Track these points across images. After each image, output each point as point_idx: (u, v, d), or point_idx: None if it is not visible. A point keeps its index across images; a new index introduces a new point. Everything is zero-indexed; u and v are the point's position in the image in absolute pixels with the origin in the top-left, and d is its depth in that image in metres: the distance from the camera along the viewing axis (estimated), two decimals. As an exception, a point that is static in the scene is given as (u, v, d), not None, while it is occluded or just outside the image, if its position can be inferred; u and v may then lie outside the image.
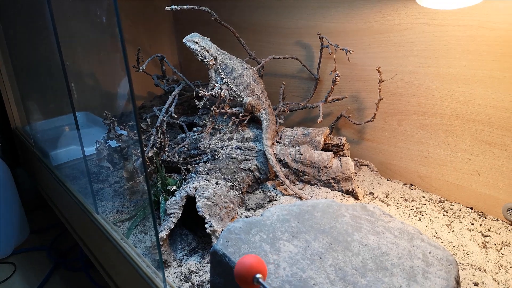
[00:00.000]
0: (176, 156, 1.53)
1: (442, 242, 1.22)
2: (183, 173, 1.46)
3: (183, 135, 1.63)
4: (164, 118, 1.55)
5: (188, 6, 1.50)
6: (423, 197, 1.47)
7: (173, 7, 1.45)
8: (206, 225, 1.16)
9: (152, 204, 1.05)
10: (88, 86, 2.39)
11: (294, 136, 1.52)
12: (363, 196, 1.44)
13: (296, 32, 1.80)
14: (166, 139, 1.42)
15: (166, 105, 1.57)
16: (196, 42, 1.48)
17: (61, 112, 2.24)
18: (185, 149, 1.58)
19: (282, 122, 1.61)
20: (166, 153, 1.43)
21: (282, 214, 1.02)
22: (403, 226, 0.97)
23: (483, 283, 1.07)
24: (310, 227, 0.97)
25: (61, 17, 1.55)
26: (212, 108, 1.41)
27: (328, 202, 1.05)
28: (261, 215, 1.03)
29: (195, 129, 1.63)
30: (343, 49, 1.51)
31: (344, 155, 1.58)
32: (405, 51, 1.44)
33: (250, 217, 1.31)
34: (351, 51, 1.49)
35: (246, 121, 1.55)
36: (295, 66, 1.83)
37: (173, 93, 1.62)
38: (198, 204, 1.19)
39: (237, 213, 1.33)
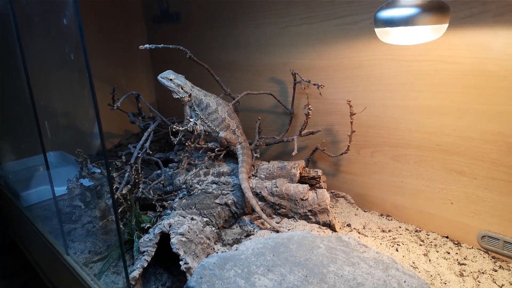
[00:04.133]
0: (151, 193, 1.51)
1: (419, 271, 1.22)
2: (158, 210, 1.44)
3: (159, 171, 1.61)
4: (139, 155, 1.54)
5: (162, 44, 1.53)
6: (400, 227, 1.48)
7: (147, 46, 1.47)
8: (180, 262, 1.13)
9: (122, 242, 1.02)
10: (63, 125, 2.36)
11: (270, 170, 1.52)
12: (340, 228, 1.44)
13: (270, 69, 1.85)
14: (140, 175, 1.40)
15: (141, 142, 1.56)
16: (170, 79, 1.50)
17: (34, 152, 2.19)
18: (161, 185, 1.56)
19: (258, 156, 1.62)
20: (140, 189, 1.41)
21: (257, 248, 1.00)
22: (378, 256, 0.97)
23: (461, 312, 1.06)
24: (285, 260, 0.96)
25: (32, 54, 1.56)
26: (186, 144, 1.41)
27: (303, 234, 1.05)
28: (236, 249, 1.01)
29: (170, 165, 1.62)
30: (314, 84, 1.56)
31: (321, 187, 1.59)
32: (374, 85, 1.49)
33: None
34: (322, 86, 1.54)
35: (222, 155, 1.56)
36: (270, 101, 1.87)
37: (148, 129, 1.62)
38: (172, 240, 1.16)
39: (214, 249, 1.30)
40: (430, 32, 0.99)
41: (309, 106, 1.43)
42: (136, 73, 2.60)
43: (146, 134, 1.59)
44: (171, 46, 1.57)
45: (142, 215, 1.49)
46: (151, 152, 1.54)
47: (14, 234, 1.99)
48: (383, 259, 0.95)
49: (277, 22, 1.75)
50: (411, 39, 1.01)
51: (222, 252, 1.29)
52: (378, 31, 1.08)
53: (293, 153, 1.46)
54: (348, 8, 1.49)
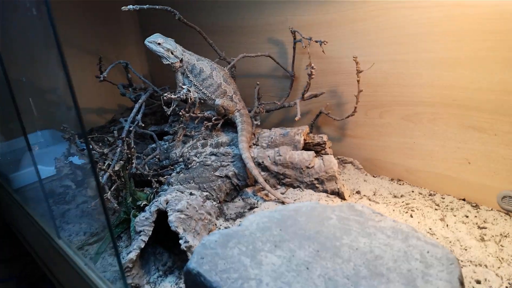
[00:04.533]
0: (147, 168, 1.41)
1: (437, 238, 1.13)
2: (154, 186, 1.34)
3: (154, 145, 1.51)
4: (131, 128, 1.43)
5: (148, 5, 1.40)
6: (412, 191, 1.38)
7: (130, 7, 1.34)
8: (180, 241, 1.05)
9: (111, 225, 0.93)
10: (52, 101, 2.24)
11: (272, 137, 1.42)
12: (349, 196, 1.35)
13: (267, 29, 1.71)
14: (132, 150, 1.30)
15: (132, 114, 1.45)
16: (159, 44, 1.37)
17: (22, 133, 2.09)
18: (156, 160, 1.47)
19: (259, 123, 1.51)
20: (133, 165, 1.31)
21: (263, 222, 0.91)
22: (395, 225, 0.87)
23: (485, 279, 0.98)
24: (294, 234, 0.87)
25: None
26: (181, 113, 1.30)
27: (312, 205, 0.95)
28: (239, 225, 0.92)
29: (165, 137, 1.52)
30: (317, 42, 1.43)
31: (326, 154, 1.49)
32: (382, 39, 1.36)
33: (229, 228, 1.20)
34: (325, 42, 1.41)
35: (219, 125, 1.45)
36: (269, 65, 1.74)
37: (140, 100, 1.51)
38: (170, 218, 1.07)
39: (215, 224, 1.22)
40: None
41: (312, 65, 1.30)
42: (125, 42, 2.44)
43: (137, 105, 1.48)
44: (157, 7, 1.43)
45: (138, 192, 1.40)
46: (143, 125, 1.43)
47: (8, 218, 1.91)
48: (401, 228, 0.86)
49: (272, -24, 1.60)
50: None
51: (224, 228, 1.20)
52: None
53: (296, 118, 1.35)
54: (350, -46, 1.34)
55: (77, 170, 1.39)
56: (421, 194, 1.37)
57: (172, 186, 1.28)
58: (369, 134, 1.51)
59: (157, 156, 1.45)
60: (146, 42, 1.38)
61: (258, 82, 1.62)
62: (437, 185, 1.37)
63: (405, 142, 1.42)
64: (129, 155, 1.30)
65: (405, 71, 1.33)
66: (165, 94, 1.27)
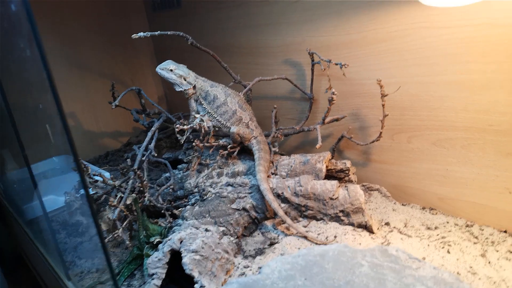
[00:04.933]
0: (160, 200, 1.34)
1: (479, 278, 1.02)
2: (167, 220, 1.27)
3: (168, 174, 1.44)
4: (143, 158, 1.37)
5: (159, 32, 1.35)
6: (447, 222, 1.27)
7: (141, 34, 1.29)
8: (195, 286, 0.96)
9: (113, 272, 0.86)
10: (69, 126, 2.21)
11: (291, 165, 1.33)
12: (378, 228, 1.24)
13: (284, 50, 1.64)
14: (144, 182, 1.23)
15: (144, 143, 1.39)
16: (171, 70, 1.32)
17: (38, 159, 2.06)
18: (171, 190, 1.39)
19: (277, 150, 1.43)
20: (146, 198, 1.24)
21: (285, 270, 0.82)
22: (437, 273, 0.77)
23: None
24: (321, 285, 0.77)
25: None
26: (194, 143, 1.23)
27: (339, 248, 0.86)
28: (259, 272, 0.83)
29: (179, 166, 1.45)
30: (336, 64, 1.35)
31: (350, 181, 1.39)
32: (408, 60, 1.27)
33: (248, 267, 1.11)
34: (346, 65, 1.32)
35: (235, 153, 1.37)
36: (286, 86, 1.67)
37: (152, 128, 1.45)
38: (184, 260, 0.99)
39: (233, 263, 1.13)
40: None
41: (333, 90, 1.22)
42: (140, 66, 2.42)
43: (150, 134, 1.42)
44: (168, 33, 1.38)
45: (151, 225, 1.33)
46: (155, 155, 1.36)
47: (22, 251, 1.86)
48: (444, 277, 0.76)
49: (287, -4, 1.54)
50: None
51: (243, 267, 1.11)
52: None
53: (317, 146, 1.27)
54: (371, -29, 1.27)
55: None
56: (457, 225, 1.26)
57: (187, 220, 1.20)
58: (397, 160, 1.41)
59: (171, 186, 1.38)
60: (157, 69, 1.33)
61: (275, 106, 1.55)
62: (475, 215, 1.26)
63: (437, 168, 1.31)
64: (141, 188, 1.23)
65: (435, 94, 1.23)
66: (177, 125, 1.20)
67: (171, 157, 1.59)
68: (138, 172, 1.18)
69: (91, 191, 1.36)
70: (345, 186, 1.25)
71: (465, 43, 1.13)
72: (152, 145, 1.40)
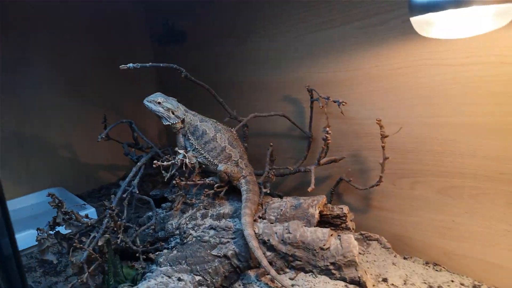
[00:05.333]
0: (138, 241, 1.24)
1: None
2: (140, 266, 1.16)
3: (151, 213, 1.35)
4: (124, 195, 1.28)
5: (150, 64, 1.30)
6: (452, 281, 1.13)
7: (130, 65, 1.24)
8: None
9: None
10: (62, 158, 2.16)
11: (282, 209, 1.22)
12: (374, 285, 1.11)
13: (283, 86, 1.57)
14: (118, 222, 1.13)
15: (127, 178, 1.31)
16: (159, 103, 1.25)
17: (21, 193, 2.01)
18: (151, 230, 1.29)
19: (268, 191, 1.32)
20: (119, 239, 1.14)
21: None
22: None
23: None
24: None
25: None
26: (175, 181, 1.14)
27: (318, 313, 0.73)
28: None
29: (163, 205, 1.35)
30: (335, 102, 1.26)
31: (348, 228, 1.27)
32: (411, 99, 1.18)
33: (224, 324, 0.98)
34: (344, 103, 1.24)
35: (223, 192, 1.27)
36: (285, 124, 1.58)
37: (138, 163, 1.37)
38: (146, 315, 0.87)
39: (207, 319, 1.00)
40: (493, 17, 0.68)
41: (327, 128, 1.12)
42: (142, 99, 2.37)
43: (134, 169, 1.34)
44: (161, 65, 1.33)
45: (126, 269, 1.22)
46: (137, 192, 1.27)
47: None
48: None
49: (288, 31, 1.48)
50: (465, 28, 0.71)
51: (216, 324, 0.98)
52: (417, 21, 0.78)
53: (309, 189, 1.16)
54: (372, 6, 1.20)
55: (62, 242, 1.23)
56: (463, 285, 1.11)
57: (160, 267, 1.09)
58: (399, 207, 1.29)
59: (152, 227, 1.28)
60: (145, 101, 1.27)
61: (271, 144, 1.46)
62: (483, 274, 1.12)
63: (442, 219, 1.18)
64: (115, 228, 1.13)
65: (440, 137, 1.13)
66: (155, 162, 1.11)
67: (158, 194, 1.50)
68: (110, 211, 1.08)
69: (65, 230, 1.26)
70: (338, 235, 1.12)
71: (473, 82, 1.03)
72: (135, 181, 1.31)
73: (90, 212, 1.67)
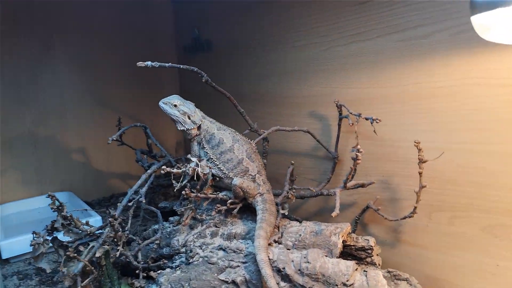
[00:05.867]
0: (139, 257, 1.12)
1: None
2: (139, 285, 1.04)
3: (157, 225, 1.24)
4: (130, 204, 1.18)
5: (169, 64, 1.21)
6: (496, 337, 0.96)
7: (148, 63, 1.16)
8: None
9: None
10: (75, 162, 2.09)
11: (300, 234, 1.09)
12: (402, 333, 0.95)
13: (310, 101, 1.46)
14: (118, 233, 1.02)
15: (134, 186, 1.21)
16: (175, 106, 1.16)
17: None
18: (155, 246, 1.18)
19: (286, 213, 1.19)
20: (118, 252, 1.03)
21: None
22: None
23: None
24: None
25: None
26: (184, 192, 1.02)
27: None
28: None
29: (171, 218, 1.24)
30: (367, 119, 1.14)
31: (373, 263, 1.12)
32: (454, 123, 1.05)
33: None
34: (378, 120, 1.11)
35: (236, 210, 1.15)
36: (309, 142, 1.47)
37: (148, 171, 1.27)
38: None
39: None
40: None
41: (358, 147, 1.00)
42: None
43: (144, 176, 1.24)
44: (181, 66, 1.25)
45: (123, 286, 1.10)
46: (144, 201, 1.17)
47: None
48: None
49: (319, 43, 1.38)
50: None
51: None
52: (479, 20, 0.66)
53: (333, 214, 1.02)
54: (415, 17, 1.09)
55: (59, 249, 1.12)
56: None
57: (160, 288, 0.97)
58: (434, 244, 1.14)
59: (156, 242, 1.16)
60: (160, 103, 1.18)
61: (292, 162, 1.34)
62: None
63: (485, 262, 1.03)
64: (115, 239, 1.02)
65: (487, 167, 0.98)
66: (163, 167, 1.01)
67: (167, 206, 1.39)
68: (111, 219, 0.98)
69: (64, 237, 1.16)
70: (364, 271, 0.98)
71: (531, 107, 0.89)
72: (143, 190, 1.21)
73: (96, 220, 1.58)
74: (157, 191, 1.79)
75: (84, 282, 0.96)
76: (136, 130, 2.03)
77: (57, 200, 1.12)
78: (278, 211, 1.15)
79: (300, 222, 1.17)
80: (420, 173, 1.03)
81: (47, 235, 1.15)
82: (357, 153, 0.98)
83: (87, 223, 1.12)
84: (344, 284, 0.96)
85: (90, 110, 2.08)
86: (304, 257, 1.01)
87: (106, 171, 2.19)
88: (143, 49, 2.17)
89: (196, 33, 2.09)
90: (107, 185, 2.18)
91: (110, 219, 0.95)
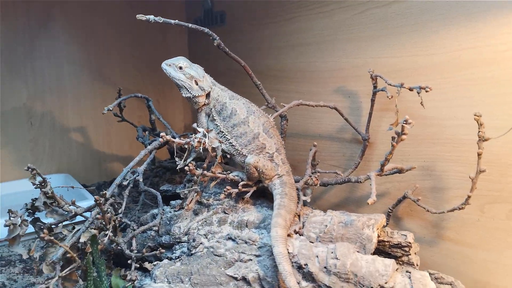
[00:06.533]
0: (134, 244, 0.95)
1: None
2: (130, 275, 0.86)
3: (156, 210, 1.06)
4: (126, 183, 1.00)
5: (176, 21, 1.03)
6: None
7: (151, 17, 0.98)
8: None
9: None
10: (74, 142, 1.93)
11: (326, 225, 0.90)
12: None
13: (338, 75, 1.27)
14: (106, 215, 0.85)
15: (132, 163, 1.04)
16: (180, 68, 0.97)
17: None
18: (153, 233, 1.00)
19: (308, 200, 1.01)
20: (107, 238, 0.85)
21: None
22: None
23: None
24: None
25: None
26: (188, 168, 0.84)
27: None
28: None
29: (173, 202, 1.06)
30: (411, 89, 0.94)
31: (410, 263, 0.94)
32: (520, 95, 0.85)
33: None
34: (429, 89, 0.92)
35: (249, 194, 0.96)
36: (334, 123, 1.28)
37: (149, 147, 1.09)
38: None
39: None
40: None
41: (406, 116, 0.79)
42: (170, 90, 2.13)
43: (142, 152, 1.07)
44: (190, 25, 1.07)
45: (115, 278, 0.93)
46: (141, 179, 0.99)
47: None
48: None
49: (351, 6, 1.19)
50: None
51: None
52: None
53: (369, 201, 0.83)
54: (475, -34, 0.90)
55: (40, 232, 0.96)
56: None
57: (155, 282, 0.80)
58: (486, 243, 0.95)
59: (154, 228, 0.99)
60: (163, 65, 1.00)
61: (315, 143, 1.15)
62: None
63: (554, 267, 0.83)
64: (102, 223, 0.85)
65: None
66: (162, 134, 0.83)
67: (169, 189, 1.21)
68: (97, 197, 0.80)
69: (46, 218, 1.00)
70: (407, 271, 0.79)
71: None
72: (141, 168, 1.03)
73: (90, 203, 1.42)
74: (160, 175, 1.62)
75: (64, 271, 0.79)
76: (140, 110, 1.88)
77: (38, 173, 0.95)
78: (299, 197, 0.97)
79: (324, 212, 0.98)
80: (479, 154, 0.84)
81: (27, 215, 0.99)
82: (405, 124, 0.78)
83: (73, 203, 0.95)
84: (382, 287, 0.77)
85: (91, 87, 1.92)
86: (332, 252, 0.83)
87: (107, 153, 2.03)
88: (151, 30, 2.00)
89: (208, 4, 1.91)
90: (108, 169, 2.02)
91: (96, 197, 0.78)
